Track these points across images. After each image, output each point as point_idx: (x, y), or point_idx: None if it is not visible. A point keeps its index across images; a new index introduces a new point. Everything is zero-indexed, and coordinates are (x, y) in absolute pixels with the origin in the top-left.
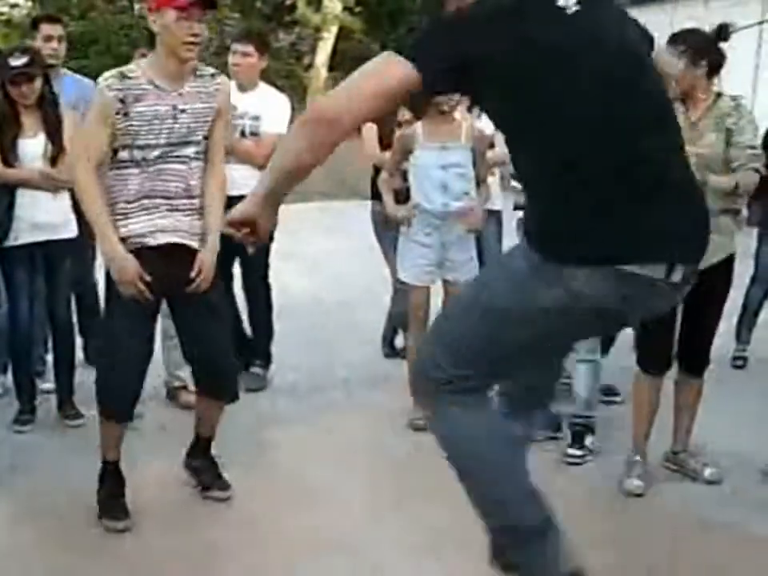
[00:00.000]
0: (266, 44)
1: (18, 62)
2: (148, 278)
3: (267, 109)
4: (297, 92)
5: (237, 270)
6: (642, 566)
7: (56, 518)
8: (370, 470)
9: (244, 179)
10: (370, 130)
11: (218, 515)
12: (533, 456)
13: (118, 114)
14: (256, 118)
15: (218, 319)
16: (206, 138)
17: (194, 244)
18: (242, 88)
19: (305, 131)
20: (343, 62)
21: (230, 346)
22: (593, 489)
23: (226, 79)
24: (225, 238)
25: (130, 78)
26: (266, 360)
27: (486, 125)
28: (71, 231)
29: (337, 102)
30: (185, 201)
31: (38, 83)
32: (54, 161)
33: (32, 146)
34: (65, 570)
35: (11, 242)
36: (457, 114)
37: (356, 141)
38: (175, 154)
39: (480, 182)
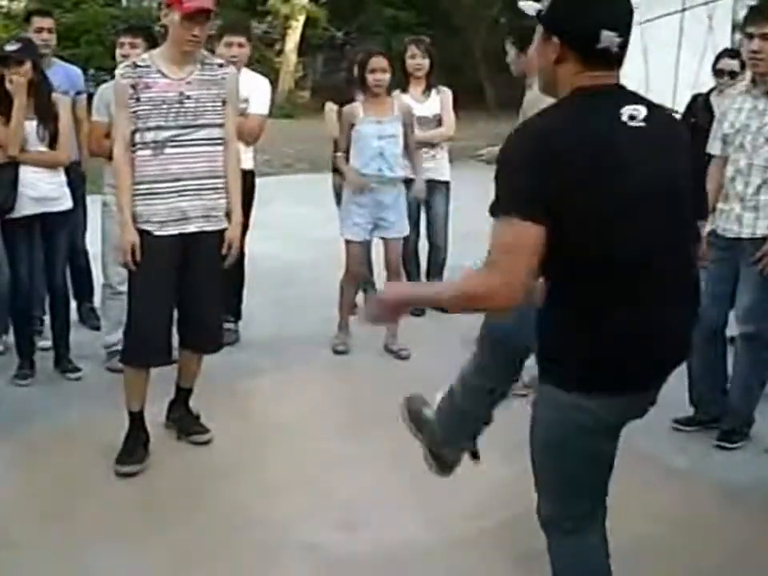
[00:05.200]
0: (251, 33)
1: (10, 47)
2: (138, 258)
3: (253, 92)
4: (268, 76)
5: None
6: None
7: (54, 463)
8: (337, 417)
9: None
10: (330, 112)
11: (201, 460)
12: None
13: (131, 98)
14: (245, 100)
15: (211, 280)
16: (219, 124)
17: (209, 226)
18: None
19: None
20: (310, 48)
21: (218, 303)
22: None
23: (233, 68)
24: None
25: (141, 66)
26: (237, 316)
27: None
28: (66, 204)
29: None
30: (199, 182)
31: (27, 68)
32: (51, 143)
33: (29, 129)
34: (62, 512)
35: (14, 214)
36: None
37: (321, 119)
38: (185, 138)
39: (409, 149)
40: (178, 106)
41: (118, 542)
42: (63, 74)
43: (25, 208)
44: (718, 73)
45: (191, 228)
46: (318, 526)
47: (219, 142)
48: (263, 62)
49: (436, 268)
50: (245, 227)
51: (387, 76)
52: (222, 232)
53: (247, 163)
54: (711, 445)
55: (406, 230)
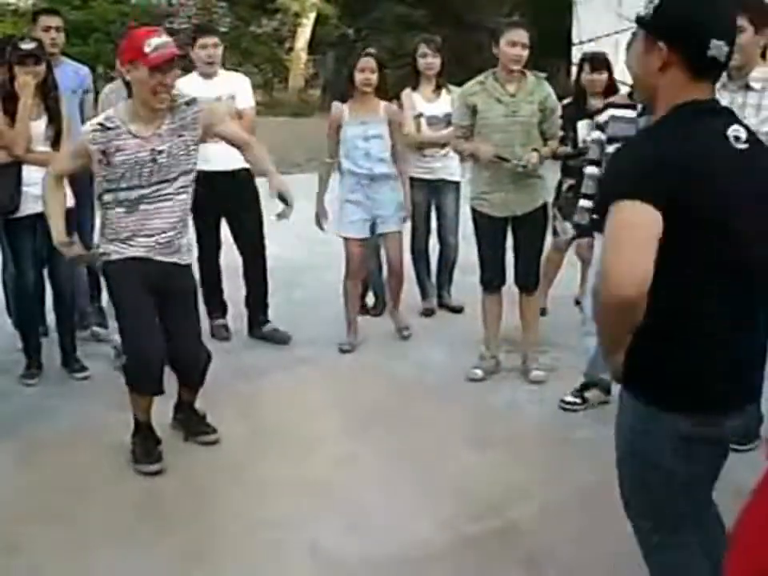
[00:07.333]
0: (225, 34)
1: (27, 45)
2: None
3: (237, 88)
4: (279, 73)
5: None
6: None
7: (60, 463)
8: (343, 417)
9: (231, 155)
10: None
11: (206, 460)
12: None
13: (101, 162)
14: (232, 98)
15: (186, 315)
16: (192, 170)
17: (179, 259)
18: (209, 75)
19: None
20: (321, 46)
21: (198, 343)
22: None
23: (200, 103)
24: (214, 212)
25: (110, 128)
26: (267, 315)
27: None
28: (69, 201)
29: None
30: (173, 232)
31: (43, 67)
32: (55, 142)
33: (35, 128)
34: (66, 512)
35: (19, 213)
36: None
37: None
38: (159, 193)
39: (396, 151)
40: (151, 164)
41: (123, 542)
42: (72, 73)
43: (30, 207)
44: None
45: (158, 257)
46: (323, 526)
47: (192, 186)
48: (273, 60)
49: (446, 267)
50: (260, 226)
51: (375, 76)
52: (185, 267)
53: (243, 161)
54: None
55: (401, 224)
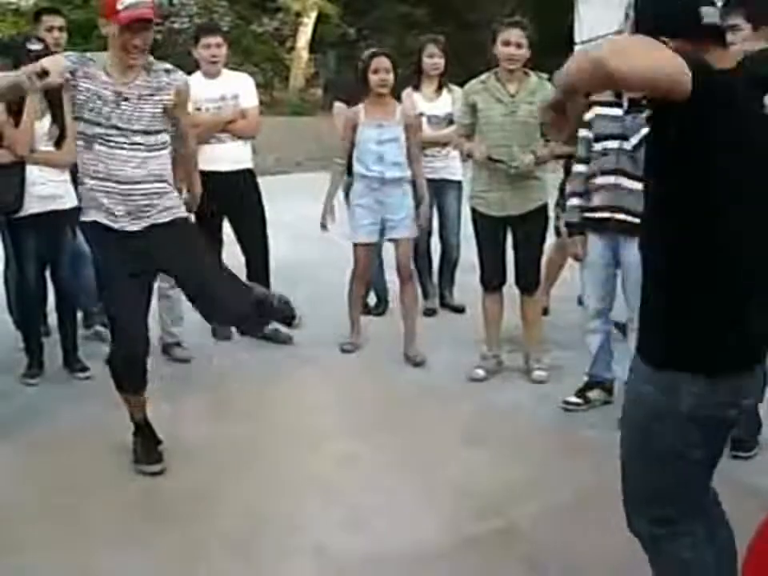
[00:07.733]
0: (227, 33)
1: (35, 46)
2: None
3: (241, 88)
4: (280, 73)
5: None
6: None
7: (61, 463)
8: (345, 417)
9: (234, 155)
10: (340, 111)
11: (208, 460)
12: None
13: (68, 81)
14: (236, 97)
15: (187, 260)
16: (158, 131)
17: (173, 212)
18: (211, 75)
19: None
20: (322, 45)
21: (238, 299)
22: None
23: (181, 74)
24: (217, 212)
25: (89, 58)
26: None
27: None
28: (72, 201)
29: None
30: (127, 186)
31: None
32: (58, 142)
33: (38, 128)
34: (67, 512)
35: (21, 213)
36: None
37: (331, 118)
38: (115, 139)
39: (410, 155)
40: (113, 105)
41: (125, 542)
42: None
43: (32, 207)
44: None
45: (134, 226)
46: (324, 526)
47: (157, 148)
48: (274, 60)
49: (448, 267)
50: (263, 226)
51: (391, 76)
52: (169, 223)
53: (246, 162)
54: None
55: (413, 230)
